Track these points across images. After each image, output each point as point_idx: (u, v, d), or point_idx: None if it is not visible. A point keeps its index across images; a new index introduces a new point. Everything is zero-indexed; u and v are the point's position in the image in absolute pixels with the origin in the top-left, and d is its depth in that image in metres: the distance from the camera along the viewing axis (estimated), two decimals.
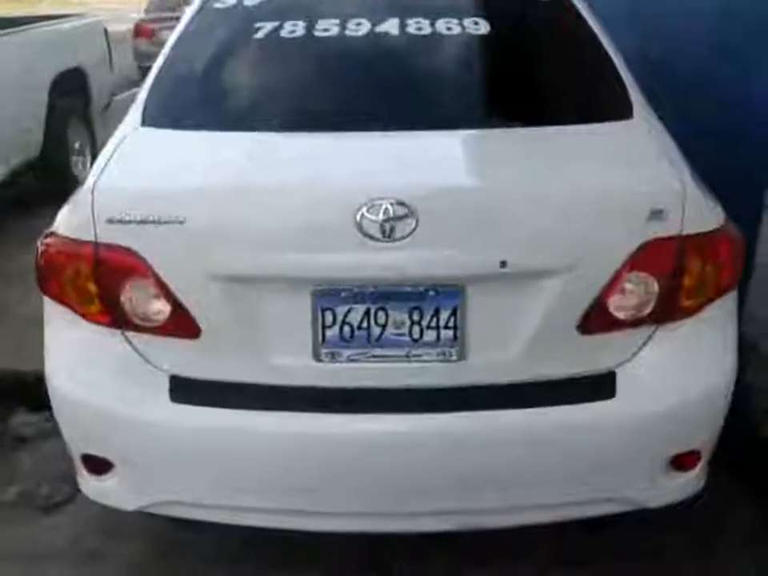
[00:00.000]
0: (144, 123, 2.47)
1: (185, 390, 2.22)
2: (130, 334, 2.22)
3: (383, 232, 2.06)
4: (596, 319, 2.17)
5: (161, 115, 2.50)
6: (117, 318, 2.19)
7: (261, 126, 2.40)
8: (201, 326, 2.17)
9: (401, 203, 2.05)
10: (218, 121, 2.46)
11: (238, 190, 2.14)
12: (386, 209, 2.05)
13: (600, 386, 2.20)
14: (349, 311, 2.15)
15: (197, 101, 2.57)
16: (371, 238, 2.06)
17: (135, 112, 2.52)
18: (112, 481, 2.29)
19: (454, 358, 2.18)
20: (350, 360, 2.18)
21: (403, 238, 2.06)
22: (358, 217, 2.05)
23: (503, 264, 2.09)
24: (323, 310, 2.15)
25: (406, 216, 2.05)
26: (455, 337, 2.17)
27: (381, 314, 2.16)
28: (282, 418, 2.17)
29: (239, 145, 2.35)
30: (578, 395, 2.20)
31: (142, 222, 2.09)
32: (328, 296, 2.14)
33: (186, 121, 2.46)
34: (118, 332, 2.22)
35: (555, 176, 2.18)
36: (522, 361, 2.18)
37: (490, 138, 2.37)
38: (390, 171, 2.15)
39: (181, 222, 2.08)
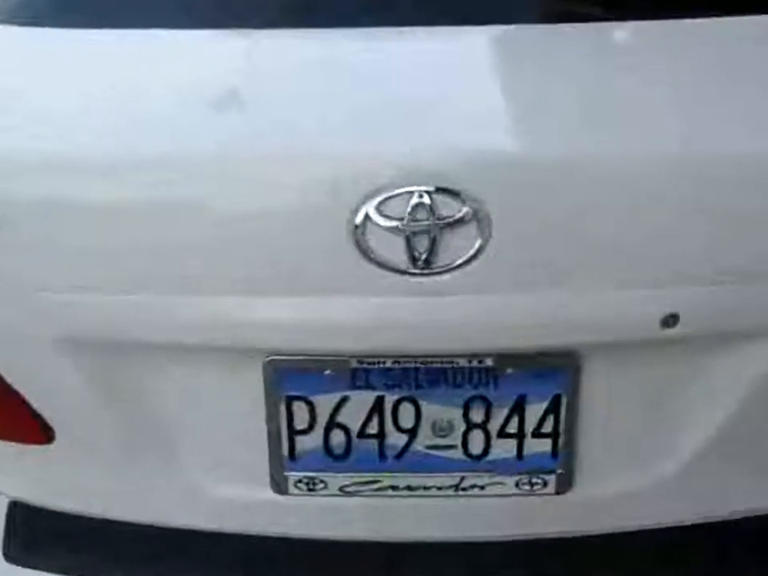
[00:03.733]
0: None
1: (26, 539, 1.17)
2: None
3: (412, 255, 0.95)
4: None
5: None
6: None
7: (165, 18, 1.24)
8: (52, 424, 1.11)
9: (447, 192, 0.94)
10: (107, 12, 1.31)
11: (109, 166, 1.01)
12: (417, 205, 0.94)
13: None
14: (342, 403, 1.07)
15: None
16: (385, 265, 0.96)
17: None
18: None
19: (551, 489, 1.11)
20: (344, 493, 1.11)
21: (452, 266, 0.96)
22: (358, 221, 0.94)
23: (671, 321, 0.99)
24: (290, 400, 1.07)
25: (459, 220, 0.94)
26: (555, 450, 1.09)
27: (407, 409, 1.07)
28: None
29: (129, 58, 1.21)
30: None
31: None
32: (297, 373, 1.05)
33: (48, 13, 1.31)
34: None
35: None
36: (680, 490, 1.11)
37: (608, 43, 1.20)
38: (416, 119, 1.00)
39: None
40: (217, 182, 0.98)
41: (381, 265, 0.95)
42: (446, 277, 0.96)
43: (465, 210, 0.94)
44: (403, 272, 0.96)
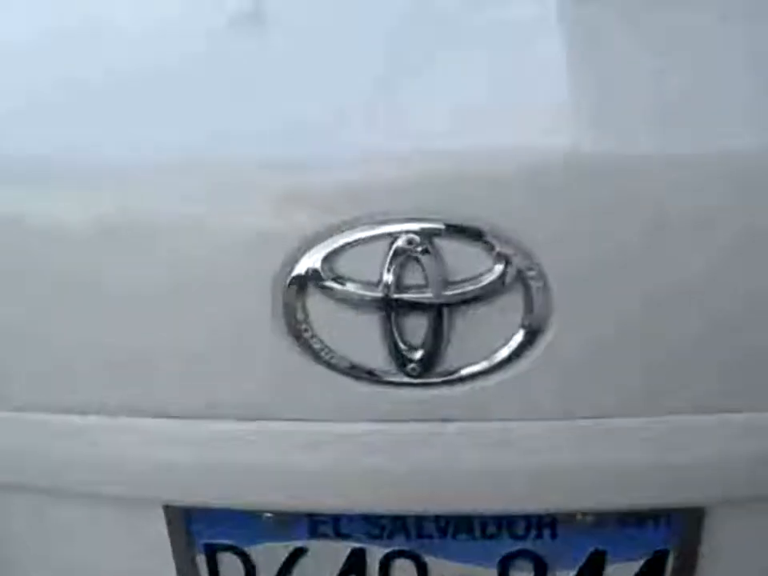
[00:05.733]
0: None
1: None
2: None
3: (396, 348, 0.51)
4: None
5: None
6: None
7: None
8: None
9: (465, 232, 0.48)
10: None
11: None
12: (404, 256, 0.49)
13: None
14: (296, 557, 0.64)
15: None
16: (348, 367, 0.51)
17: None
18: None
19: None
20: None
21: (472, 372, 0.51)
22: (295, 279, 0.50)
23: None
24: (212, 551, 0.65)
25: (487, 286, 0.49)
26: None
27: (404, 567, 0.64)
28: None
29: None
30: None
31: None
32: (221, 515, 0.63)
33: None
34: None
35: None
36: None
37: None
38: (413, 102, 0.54)
39: None
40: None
41: (337, 367, 0.52)
42: (461, 389, 0.52)
43: (498, 267, 0.49)
44: (383, 379, 0.52)
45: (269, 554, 0.66)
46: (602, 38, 0.63)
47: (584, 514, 0.61)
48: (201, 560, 0.66)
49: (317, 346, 0.52)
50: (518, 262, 0.49)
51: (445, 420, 0.53)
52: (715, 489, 0.57)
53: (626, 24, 0.64)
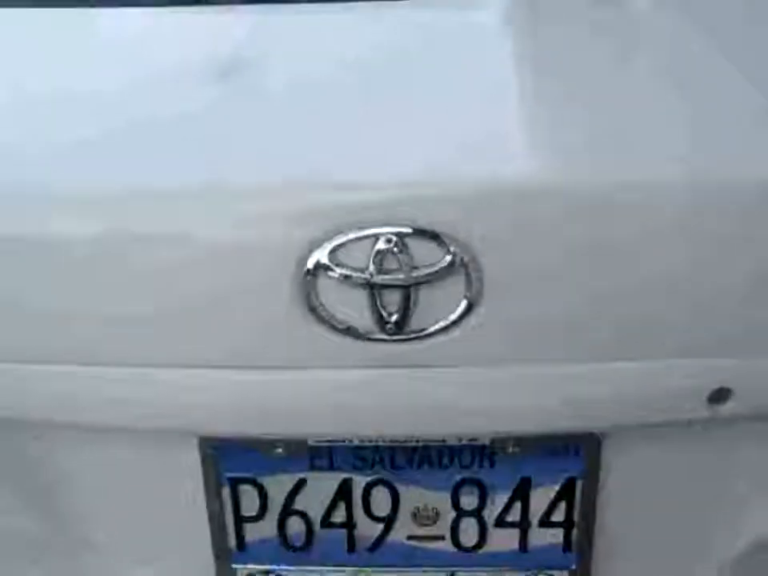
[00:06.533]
0: None
1: None
2: None
3: (378, 315, 0.72)
4: None
5: None
6: None
7: None
8: None
9: (427, 234, 0.71)
10: None
11: None
12: (384, 252, 0.71)
13: None
14: (299, 487, 0.85)
15: None
16: (344, 329, 0.73)
17: None
18: None
19: None
20: None
21: (432, 331, 0.73)
22: (308, 268, 0.72)
23: (720, 396, 0.76)
24: (235, 483, 0.85)
25: (440, 271, 0.71)
26: (569, 542, 0.87)
27: (381, 493, 0.85)
28: None
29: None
30: None
31: None
32: (242, 452, 0.83)
33: None
34: None
35: None
36: None
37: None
38: (380, 141, 0.76)
39: None
40: (137, 235, 0.75)
41: (338, 328, 0.73)
42: (424, 344, 0.73)
43: (447, 257, 0.71)
44: (367, 338, 0.73)
45: (278, 485, 0.85)
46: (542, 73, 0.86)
47: (513, 446, 0.82)
48: (226, 491, 0.85)
49: (323, 314, 0.73)
50: (462, 254, 0.70)
51: (413, 366, 0.75)
52: (607, 420, 0.79)
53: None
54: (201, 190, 0.73)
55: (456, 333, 0.73)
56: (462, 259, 0.71)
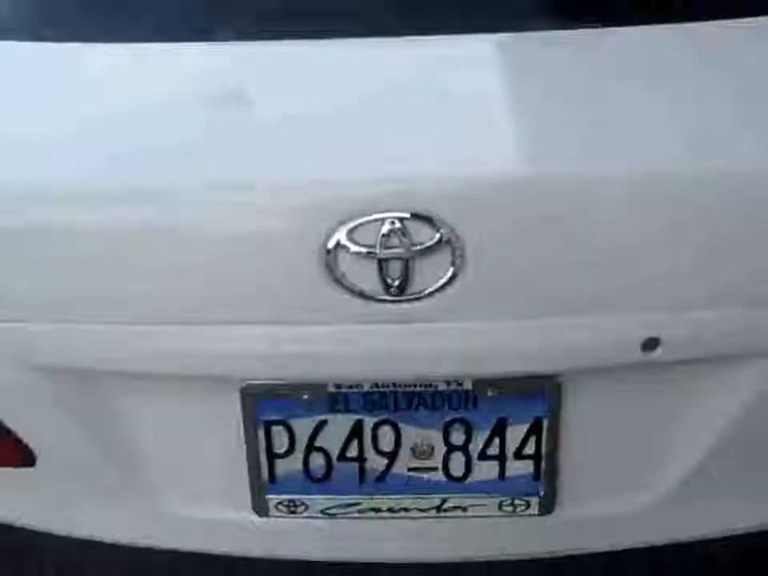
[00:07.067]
0: None
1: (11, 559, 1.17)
2: None
3: (385, 281, 0.94)
4: None
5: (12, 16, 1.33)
6: None
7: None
8: (32, 448, 1.11)
9: (419, 218, 0.92)
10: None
11: (78, 191, 1.00)
12: (389, 231, 0.92)
13: None
14: (320, 427, 1.06)
15: None
16: (358, 292, 0.94)
17: None
18: None
19: (534, 510, 1.09)
20: (325, 515, 1.10)
21: (426, 293, 0.95)
22: (329, 247, 0.93)
23: (651, 345, 0.97)
24: (268, 425, 1.06)
25: (432, 246, 0.93)
26: (538, 472, 1.07)
27: (386, 432, 1.06)
28: None
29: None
30: None
31: None
32: (275, 398, 1.04)
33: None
34: None
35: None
36: (665, 514, 1.10)
37: (596, 50, 1.17)
38: (388, 145, 0.99)
39: None
40: (192, 212, 0.97)
41: (353, 292, 0.94)
42: (420, 303, 0.95)
43: (437, 235, 0.92)
44: (376, 299, 0.94)
45: (303, 426, 1.06)
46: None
47: (491, 390, 1.03)
48: (261, 432, 1.05)
49: (342, 281, 0.93)
50: (448, 234, 0.92)
51: (411, 321, 0.95)
52: (563, 365, 0.99)
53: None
54: (252, 185, 0.95)
55: (444, 295, 0.94)
56: (448, 238, 0.92)
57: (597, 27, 1.14)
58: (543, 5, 1.24)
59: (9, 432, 1.09)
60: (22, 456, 1.11)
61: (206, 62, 1.14)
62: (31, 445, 1.10)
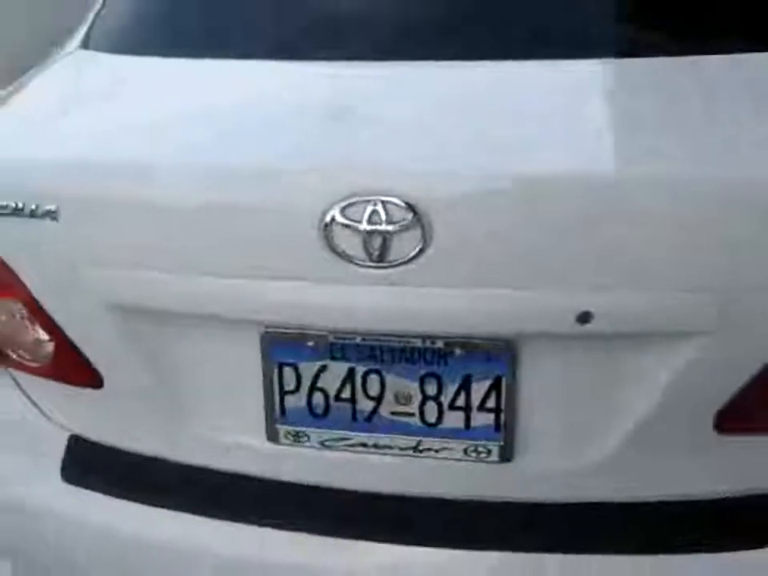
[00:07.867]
0: (86, 45, 1.68)
1: (81, 466, 1.46)
2: (17, 374, 1.49)
3: (368, 251, 1.18)
4: (748, 411, 1.23)
5: (112, 33, 1.68)
6: None
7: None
8: (101, 372, 1.40)
9: (400, 203, 1.17)
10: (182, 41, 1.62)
11: (139, 171, 1.30)
12: (373, 212, 1.17)
13: (748, 525, 1.28)
14: (321, 371, 1.31)
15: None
16: (348, 258, 1.19)
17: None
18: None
19: (494, 457, 1.30)
20: (323, 446, 1.34)
21: (403, 261, 1.18)
22: (327, 220, 1.18)
23: (585, 318, 1.17)
24: (281, 366, 1.32)
25: (407, 226, 1.17)
26: (498, 424, 1.28)
27: (373, 379, 1.30)
28: (211, 529, 1.37)
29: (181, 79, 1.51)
30: (709, 536, 1.28)
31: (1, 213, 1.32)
32: (287, 344, 1.30)
33: (135, 42, 1.63)
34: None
35: (702, 155, 1.20)
36: (610, 469, 1.28)
37: (579, 73, 1.40)
38: (381, 141, 1.25)
39: (53, 218, 1.29)
40: (233, 190, 1.25)
41: (344, 258, 1.19)
42: (396, 270, 1.19)
43: (410, 217, 1.16)
44: (362, 264, 1.19)
45: (308, 369, 1.30)
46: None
47: (460, 349, 1.25)
48: (275, 372, 1.31)
49: (336, 249, 1.18)
50: (421, 214, 1.15)
51: (390, 284, 1.19)
52: (516, 331, 1.21)
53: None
54: (276, 172, 1.24)
55: (416, 263, 1.18)
56: (420, 217, 1.16)
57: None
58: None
59: (83, 358, 1.39)
60: (93, 378, 1.40)
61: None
62: (100, 370, 1.39)
